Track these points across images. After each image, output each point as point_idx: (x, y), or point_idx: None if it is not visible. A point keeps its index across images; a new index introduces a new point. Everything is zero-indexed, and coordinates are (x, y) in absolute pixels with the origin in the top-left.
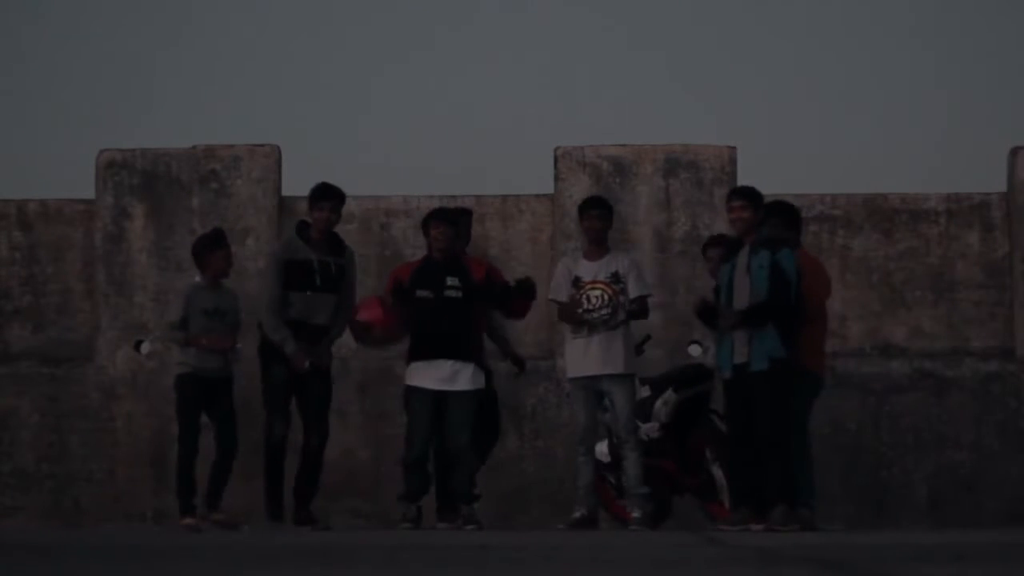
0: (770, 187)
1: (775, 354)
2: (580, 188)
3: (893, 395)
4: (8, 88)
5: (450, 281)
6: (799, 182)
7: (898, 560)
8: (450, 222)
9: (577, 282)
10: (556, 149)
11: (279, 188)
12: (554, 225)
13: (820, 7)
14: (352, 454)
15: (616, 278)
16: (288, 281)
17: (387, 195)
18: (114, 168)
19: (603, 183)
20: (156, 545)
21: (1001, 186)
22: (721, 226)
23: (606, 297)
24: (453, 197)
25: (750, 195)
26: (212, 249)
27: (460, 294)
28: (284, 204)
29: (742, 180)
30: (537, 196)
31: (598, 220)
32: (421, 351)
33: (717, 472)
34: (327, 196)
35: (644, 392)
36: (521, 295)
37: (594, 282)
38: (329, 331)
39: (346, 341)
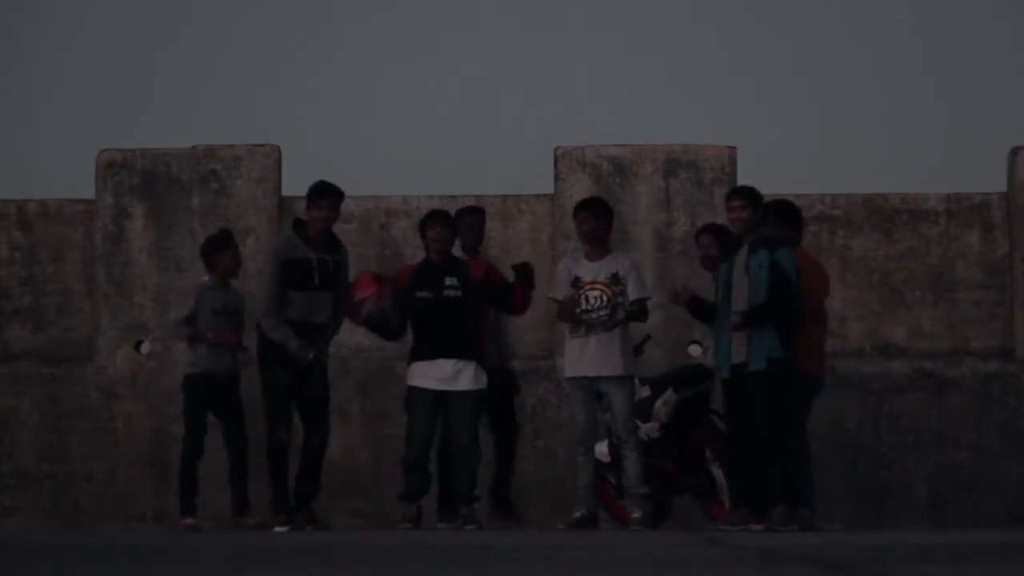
0: (770, 187)
1: (773, 354)
2: (580, 188)
3: (893, 395)
4: (8, 88)
5: (449, 281)
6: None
7: (898, 560)
8: (447, 223)
9: (577, 282)
10: (556, 149)
11: (279, 188)
12: (554, 225)
13: (820, 7)
14: (352, 454)
15: (616, 279)
16: (287, 280)
17: (387, 195)
18: (114, 168)
19: (603, 183)
20: (156, 545)
21: (1001, 186)
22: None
23: (605, 298)
24: (453, 197)
25: (749, 195)
26: (221, 249)
27: (459, 294)
28: (284, 204)
29: (742, 180)
30: (537, 196)
31: (587, 222)
32: (422, 351)
33: (717, 472)
34: (326, 195)
35: (644, 392)
36: (520, 279)
37: (593, 282)
38: (327, 329)
39: (346, 341)
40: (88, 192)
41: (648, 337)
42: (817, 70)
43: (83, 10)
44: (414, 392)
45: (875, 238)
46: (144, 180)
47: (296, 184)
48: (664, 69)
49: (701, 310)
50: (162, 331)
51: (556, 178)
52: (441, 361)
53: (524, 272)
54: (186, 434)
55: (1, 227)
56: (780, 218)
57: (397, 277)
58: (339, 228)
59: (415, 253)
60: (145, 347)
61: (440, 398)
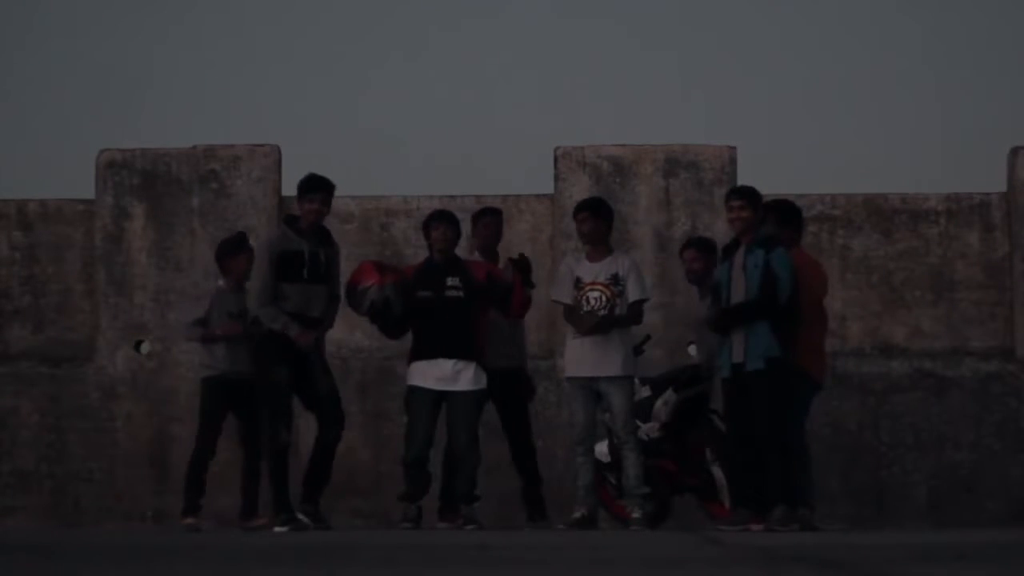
0: (770, 187)
1: (771, 353)
2: (580, 188)
3: (893, 395)
4: (8, 88)
5: (450, 281)
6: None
7: (898, 560)
8: (451, 223)
9: (578, 283)
10: (556, 149)
11: (279, 188)
12: (554, 225)
13: (820, 7)
14: (352, 454)
15: (616, 280)
16: (281, 273)
17: (387, 195)
18: (114, 168)
19: (603, 183)
20: (156, 545)
21: (1001, 186)
22: (721, 226)
23: (604, 299)
24: (453, 197)
25: (749, 195)
26: (235, 253)
27: (461, 294)
28: (284, 204)
29: (742, 180)
30: (537, 196)
31: (586, 222)
32: (422, 351)
33: (717, 472)
34: (317, 187)
35: (644, 392)
36: (517, 270)
37: (593, 283)
38: (322, 322)
39: (347, 341)
40: (88, 192)
41: (648, 337)
42: (817, 70)
43: (83, 10)
44: (414, 392)
45: (875, 238)
46: (144, 180)
47: (296, 184)
48: (664, 69)
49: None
50: (178, 332)
51: (556, 178)
52: (441, 361)
53: (522, 265)
54: (200, 434)
55: (1, 227)
56: (780, 218)
57: (399, 267)
58: (339, 228)
59: (415, 253)
60: (145, 347)
61: (440, 398)
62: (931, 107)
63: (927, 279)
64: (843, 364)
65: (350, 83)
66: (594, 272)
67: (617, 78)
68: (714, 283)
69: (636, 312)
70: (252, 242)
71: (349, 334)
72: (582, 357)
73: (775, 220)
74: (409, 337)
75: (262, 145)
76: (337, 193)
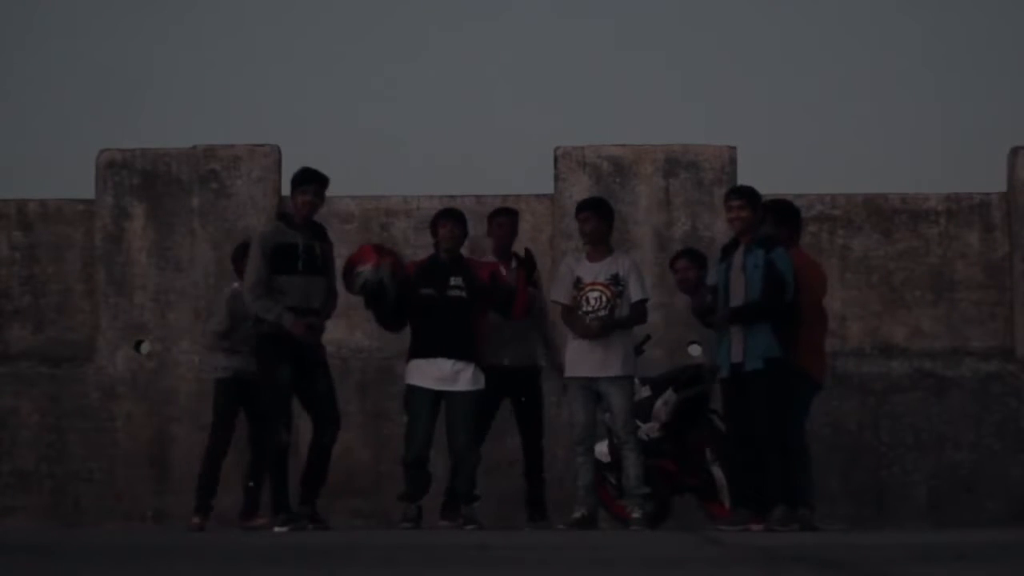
0: (770, 187)
1: (770, 353)
2: (580, 188)
3: (893, 395)
4: (8, 88)
5: (454, 281)
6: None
7: (898, 560)
8: (459, 222)
9: (578, 283)
10: (556, 149)
11: (279, 188)
12: (554, 225)
13: (820, 7)
14: (352, 454)
15: (616, 280)
16: (277, 266)
17: (387, 195)
18: (114, 168)
19: (603, 183)
20: (156, 545)
21: (1001, 186)
22: (721, 226)
23: (604, 299)
24: (453, 197)
25: (748, 195)
26: None
27: (463, 294)
28: (284, 204)
29: (742, 180)
30: (537, 196)
31: (587, 222)
32: (421, 349)
33: (717, 472)
34: (310, 180)
35: (644, 392)
36: (523, 266)
37: (594, 283)
38: (319, 314)
39: (347, 341)
40: (88, 192)
41: (648, 337)
42: (817, 70)
43: (83, 10)
44: (413, 391)
45: (875, 238)
46: (144, 180)
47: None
48: (665, 69)
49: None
50: (202, 341)
51: (556, 178)
52: (440, 360)
53: (527, 261)
54: (213, 434)
55: (1, 227)
56: (778, 217)
57: (399, 252)
58: (339, 228)
59: (415, 253)
60: (145, 347)
61: (439, 397)
62: (931, 107)
63: (927, 279)
64: (843, 364)
65: (350, 83)
66: (594, 272)
67: (617, 78)
68: (714, 283)
69: (640, 312)
70: None
71: (349, 334)
72: (582, 357)
73: (773, 220)
74: (408, 336)
75: (262, 145)
76: (337, 193)
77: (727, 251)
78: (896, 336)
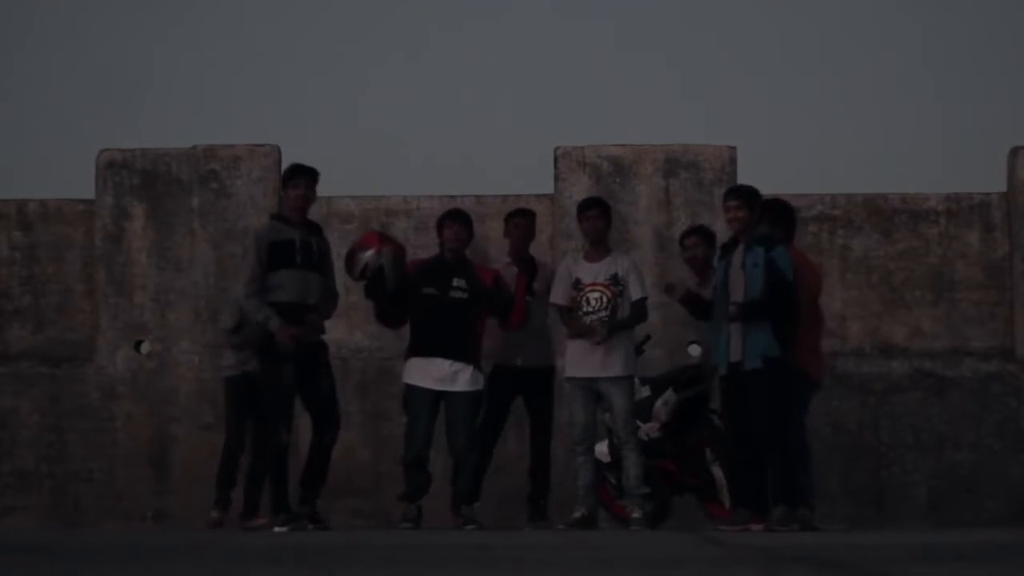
0: (770, 187)
1: (769, 352)
2: (580, 188)
3: (893, 395)
4: (8, 88)
5: (456, 282)
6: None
7: (898, 560)
8: (465, 223)
9: (577, 284)
10: (556, 149)
11: (279, 188)
12: (554, 225)
13: (820, 7)
14: (352, 454)
15: (616, 280)
16: (275, 262)
17: (387, 195)
18: (114, 168)
19: (603, 183)
20: (156, 545)
21: (1001, 186)
22: (721, 226)
23: (604, 299)
24: (453, 197)
25: (745, 195)
26: None
27: (465, 296)
28: (281, 203)
29: (742, 180)
30: (537, 196)
31: (597, 220)
32: (420, 348)
33: (717, 472)
34: (300, 173)
35: (644, 392)
36: (525, 273)
37: (593, 284)
38: (316, 310)
39: (347, 341)
40: (88, 192)
41: (648, 337)
42: (817, 70)
43: (83, 10)
44: (412, 391)
45: (875, 238)
46: (144, 180)
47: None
48: (665, 69)
49: (698, 307)
50: (216, 340)
51: (556, 178)
52: (438, 360)
53: (528, 267)
54: (228, 432)
55: (1, 227)
56: (773, 217)
57: (404, 246)
58: (339, 228)
59: (415, 253)
60: (145, 347)
61: (438, 397)
62: (931, 107)
63: (927, 279)
64: (843, 364)
65: (350, 83)
66: (594, 273)
67: (617, 78)
68: (716, 282)
69: (640, 311)
70: None
71: (349, 334)
72: (582, 358)
73: (768, 219)
74: (407, 335)
75: (262, 145)
76: (337, 193)
77: (726, 249)
78: (896, 336)
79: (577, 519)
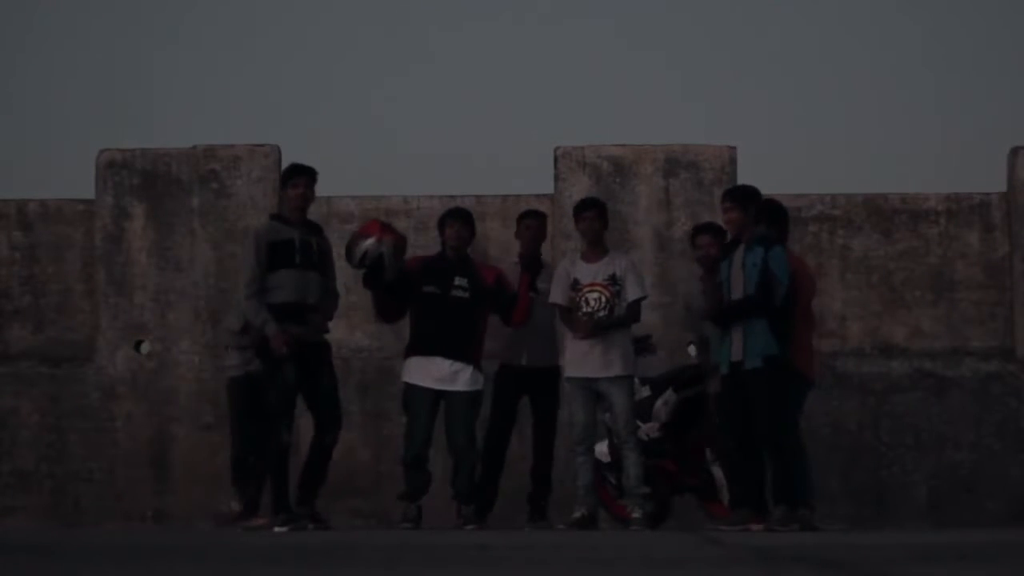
0: (770, 187)
1: (769, 352)
2: (580, 188)
3: (893, 395)
4: (8, 88)
5: (458, 281)
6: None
7: (898, 560)
8: (467, 222)
9: (575, 284)
10: (556, 149)
11: (279, 188)
12: (554, 225)
13: (820, 7)
14: (352, 454)
15: (614, 280)
16: (274, 262)
17: (387, 195)
18: (114, 168)
19: (603, 183)
20: (156, 545)
21: (1001, 186)
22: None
23: (603, 299)
24: (453, 197)
25: (738, 196)
26: None
27: (467, 295)
28: (281, 203)
29: (742, 180)
30: (537, 196)
31: (594, 221)
32: (420, 347)
33: (717, 472)
34: (300, 172)
35: (644, 392)
36: (527, 272)
37: (592, 284)
38: (317, 310)
39: (347, 341)
40: (88, 192)
41: (649, 336)
42: (817, 70)
43: (83, 10)
44: (412, 390)
45: (875, 238)
46: (144, 180)
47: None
48: (665, 69)
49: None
50: (222, 340)
51: (556, 178)
52: (438, 360)
53: (531, 266)
54: (233, 433)
55: (1, 227)
56: (765, 217)
57: (405, 238)
58: (339, 228)
59: (415, 253)
60: (145, 347)
61: (438, 397)
62: (930, 107)
63: (927, 279)
64: (843, 364)
65: (350, 83)
66: (592, 273)
67: (617, 78)
68: (719, 279)
69: (634, 311)
70: None
71: (349, 334)
72: (582, 358)
73: (763, 220)
74: (407, 335)
75: (262, 145)
76: (337, 193)
77: (728, 249)
78: (896, 336)
79: (577, 519)
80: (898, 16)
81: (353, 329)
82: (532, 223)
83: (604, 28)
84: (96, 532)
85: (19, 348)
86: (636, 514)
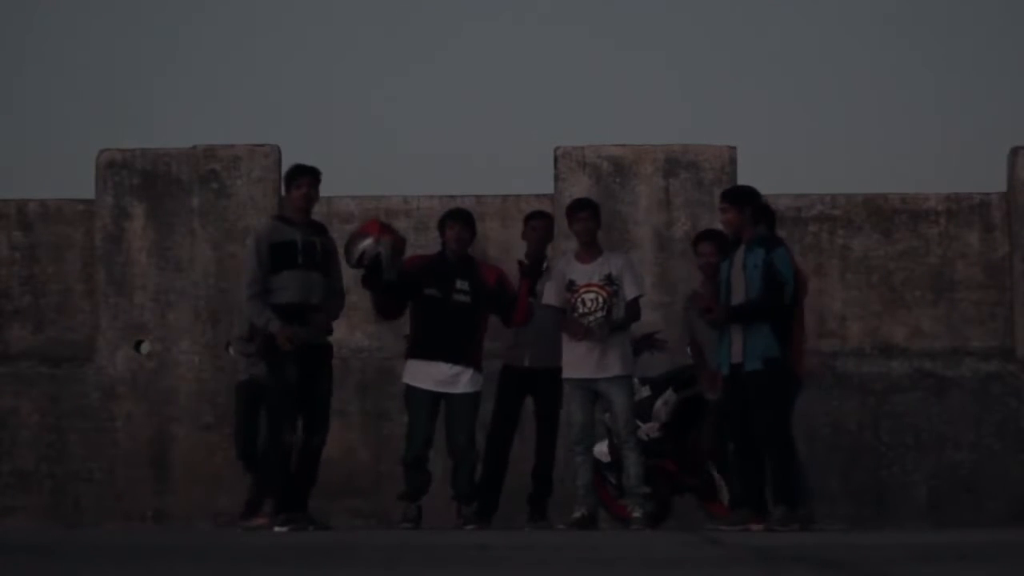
0: (770, 187)
1: (770, 354)
2: (580, 188)
3: (893, 395)
4: (8, 88)
5: (459, 284)
6: (799, 182)
7: (898, 560)
8: (467, 223)
9: (571, 285)
10: (556, 149)
11: (279, 188)
12: (554, 225)
13: (820, 7)
14: (352, 454)
15: (610, 280)
16: (277, 263)
17: (387, 195)
18: (114, 168)
19: (603, 183)
20: (156, 545)
21: (1001, 186)
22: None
23: (600, 300)
24: (453, 197)
25: (732, 197)
26: None
27: (468, 298)
28: (284, 204)
29: (742, 180)
30: (537, 196)
31: (589, 221)
32: (421, 350)
33: (717, 472)
34: (304, 172)
35: (644, 392)
36: (527, 276)
37: (588, 285)
38: (321, 310)
39: (347, 341)
40: (88, 192)
41: (656, 332)
42: (817, 70)
43: (83, 10)
44: (412, 392)
45: (875, 238)
46: (144, 180)
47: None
48: (664, 69)
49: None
50: (234, 346)
51: (556, 178)
52: (439, 364)
53: (532, 269)
54: (240, 436)
55: (1, 227)
56: (765, 218)
57: (404, 238)
58: (339, 228)
59: (414, 253)
60: (145, 347)
61: (438, 398)
62: (931, 107)
63: (927, 279)
64: (843, 364)
65: (350, 83)
66: (587, 274)
67: (617, 78)
68: (719, 281)
69: (634, 310)
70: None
71: (349, 334)
72: (581, 358)
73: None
74: (406, 330)
75: (262, 145)
76: (337, 193)
77: (727, 251)
78: (896, 336)
79: (577, 519)
80: (898, 16)
81: (353, 329)
82: (538, 224)
83: (604, 28)
84: (96, 532)
85: (19, 348)
86: (636, 514)
